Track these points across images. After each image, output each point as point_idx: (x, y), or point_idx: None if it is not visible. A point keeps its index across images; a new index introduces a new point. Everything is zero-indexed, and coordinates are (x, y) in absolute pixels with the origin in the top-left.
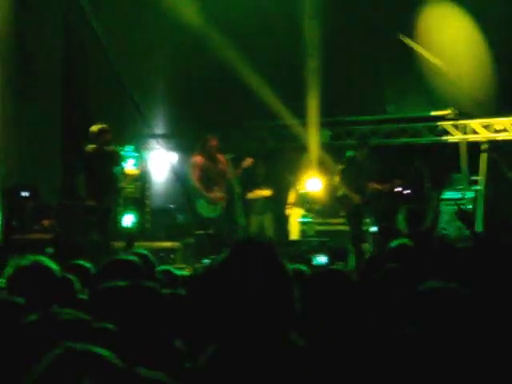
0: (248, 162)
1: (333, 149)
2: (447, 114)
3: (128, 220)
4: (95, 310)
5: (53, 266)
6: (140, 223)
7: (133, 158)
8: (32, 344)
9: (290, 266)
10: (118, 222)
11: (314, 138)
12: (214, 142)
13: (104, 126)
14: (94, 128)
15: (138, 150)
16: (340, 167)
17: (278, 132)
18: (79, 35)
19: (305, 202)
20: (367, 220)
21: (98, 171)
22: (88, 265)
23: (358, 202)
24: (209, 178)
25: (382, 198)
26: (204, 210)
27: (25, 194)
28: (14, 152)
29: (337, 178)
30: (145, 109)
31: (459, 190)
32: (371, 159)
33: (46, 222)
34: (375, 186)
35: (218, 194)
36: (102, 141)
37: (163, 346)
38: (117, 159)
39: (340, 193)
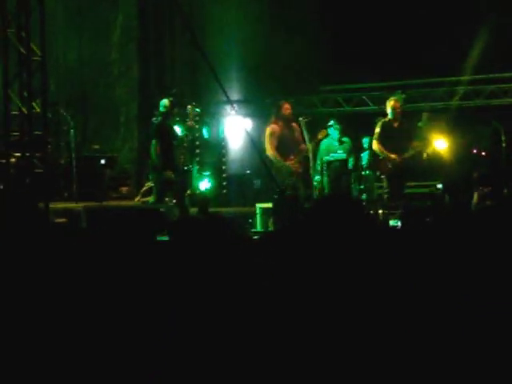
0: (323, 133)
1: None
2: None
3: (203, 186)
4: None
5: None
6: (216, 189)
7: (208, 124)
8: None
9: None
10: (194, 187)
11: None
12: (287, 107)
13: (171, 99)
14: (166, 102)
15: (213, 116)
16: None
17: (354, 96)
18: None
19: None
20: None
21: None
22: None
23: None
24: (286, 146)
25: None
26: (280, 175)
27: (103, 161)
28: (91, 120)
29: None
30: (220, 75)
31: None
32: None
33: (123, 189)
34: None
35: (294, 162)
36: (171, 113)
37: None
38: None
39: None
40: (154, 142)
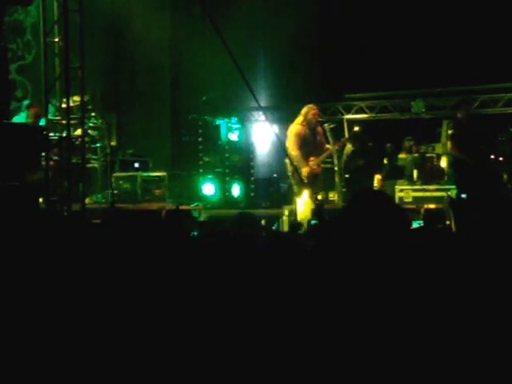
0: (345, 140)
1: (427, 119)
2: None
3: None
4: None
5: None
6: (245, 192)
7: (237, 129)
8: None
9: None
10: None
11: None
12: (315, 112)
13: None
14: None
15: (241, 121)
16: (450, 132)
17: (377, 103)
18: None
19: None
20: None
21: None
22: None
23: (473, 165)
24: (307, 148)
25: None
26: (294, 178)
27: (136, 165)
28: (128, 126)
29: (448, 145)
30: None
31: None
32: (473, 118)
33: (157, 191)
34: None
35: (312, 165)
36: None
37: None
38: None
39: (452, 158)
40: None
